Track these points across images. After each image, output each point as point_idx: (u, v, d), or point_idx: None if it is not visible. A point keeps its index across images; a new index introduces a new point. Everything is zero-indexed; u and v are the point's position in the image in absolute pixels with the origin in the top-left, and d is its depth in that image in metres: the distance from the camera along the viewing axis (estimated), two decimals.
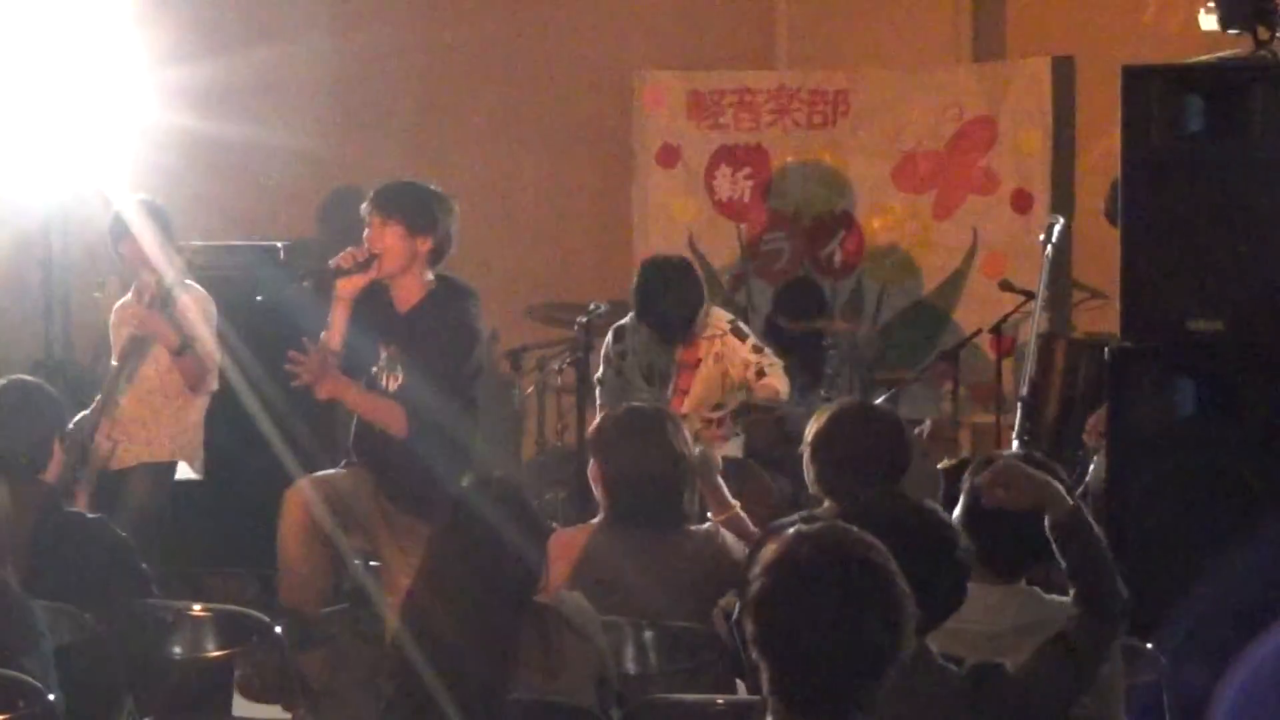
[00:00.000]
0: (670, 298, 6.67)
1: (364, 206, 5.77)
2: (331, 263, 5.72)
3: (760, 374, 6.57)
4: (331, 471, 5.91)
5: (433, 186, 5.84)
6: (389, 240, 5.71)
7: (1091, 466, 6.28)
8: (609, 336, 6.96)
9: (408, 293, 5.78)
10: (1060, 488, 3.59)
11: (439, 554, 3.77)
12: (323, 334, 5.73)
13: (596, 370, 7.10)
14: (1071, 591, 3.55)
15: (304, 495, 5.71)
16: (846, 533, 2.75)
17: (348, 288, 5.71)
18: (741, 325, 6.76)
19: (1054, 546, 3.56)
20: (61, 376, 7.03)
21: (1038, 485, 3.58)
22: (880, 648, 2.66)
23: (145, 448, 6.48)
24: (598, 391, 6.96)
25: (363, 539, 5.92)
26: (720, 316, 6.76)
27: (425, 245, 5.74)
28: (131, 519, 6.09)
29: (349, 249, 5.74)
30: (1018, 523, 3.72)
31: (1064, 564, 3.57)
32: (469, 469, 5.77)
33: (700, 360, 6.66)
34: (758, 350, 6.64)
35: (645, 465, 4.58)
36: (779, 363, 6.65)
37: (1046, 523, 3.57)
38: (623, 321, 6.93)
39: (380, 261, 5.70)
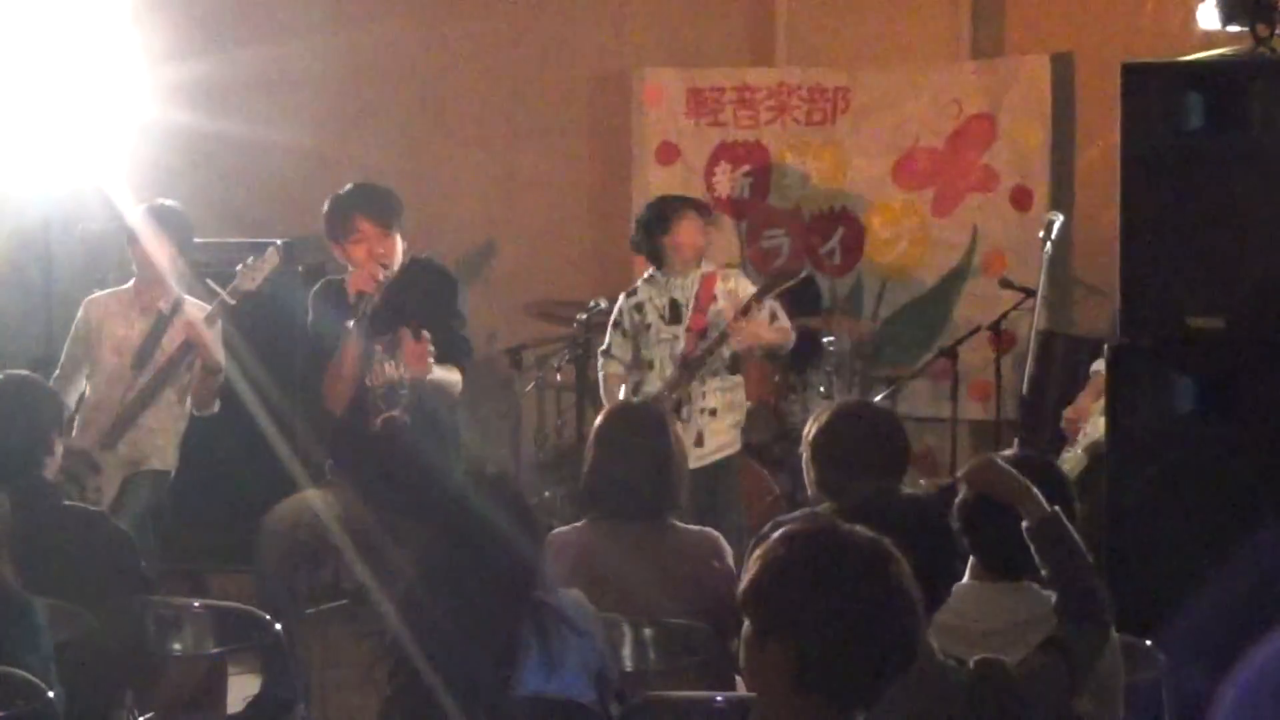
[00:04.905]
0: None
1: (361, 220, 5.79)
2: (360, 291, 5.73)
3: (774, 317, 6.76)
4: (310, 493, 5.83)
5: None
6: (393, 249, 5.81)
7: (1064, 456, 6.27)
8: (620, 299, 7.05)
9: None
10: (1038, 493, 3.64)
11: (436, 551, 3.77)
12: (345, 358, 5.71)
13: (596, 368, 7.09)
14: (1053, 598, 3.58)
15: (283, 525, 5.64)
16: (840, 525, 2.75)
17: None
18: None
19: (1033, 551, 3.60)
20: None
21: (1014, 487, 3.67)
22: (881, 640, 2.65)
23: (158, 454, 6.49)
24: (600, 363, 7.02)
25: (356, 554, 5.82)
26: (745, 281, 6.91)
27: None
28: (134, 523, 6.09)
29: (362, 271, 5.76)
30: (1015, 521, 3.73)
31: (1043, 569, 3.61)
32: (458, 451, 5.78)
33: (714, 298, 6.78)
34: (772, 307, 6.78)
35: (627, 462, 4.60)
36: (788, 323, 6.86)
37: (1024, 527, 3.61)
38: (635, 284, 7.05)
39: (390, 271, 5.80)
